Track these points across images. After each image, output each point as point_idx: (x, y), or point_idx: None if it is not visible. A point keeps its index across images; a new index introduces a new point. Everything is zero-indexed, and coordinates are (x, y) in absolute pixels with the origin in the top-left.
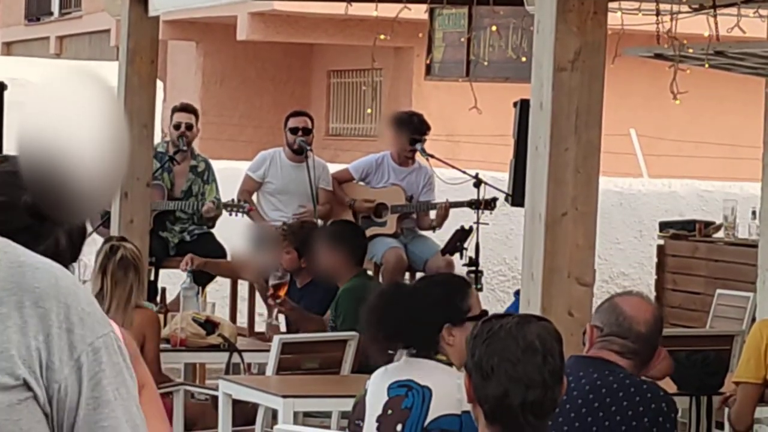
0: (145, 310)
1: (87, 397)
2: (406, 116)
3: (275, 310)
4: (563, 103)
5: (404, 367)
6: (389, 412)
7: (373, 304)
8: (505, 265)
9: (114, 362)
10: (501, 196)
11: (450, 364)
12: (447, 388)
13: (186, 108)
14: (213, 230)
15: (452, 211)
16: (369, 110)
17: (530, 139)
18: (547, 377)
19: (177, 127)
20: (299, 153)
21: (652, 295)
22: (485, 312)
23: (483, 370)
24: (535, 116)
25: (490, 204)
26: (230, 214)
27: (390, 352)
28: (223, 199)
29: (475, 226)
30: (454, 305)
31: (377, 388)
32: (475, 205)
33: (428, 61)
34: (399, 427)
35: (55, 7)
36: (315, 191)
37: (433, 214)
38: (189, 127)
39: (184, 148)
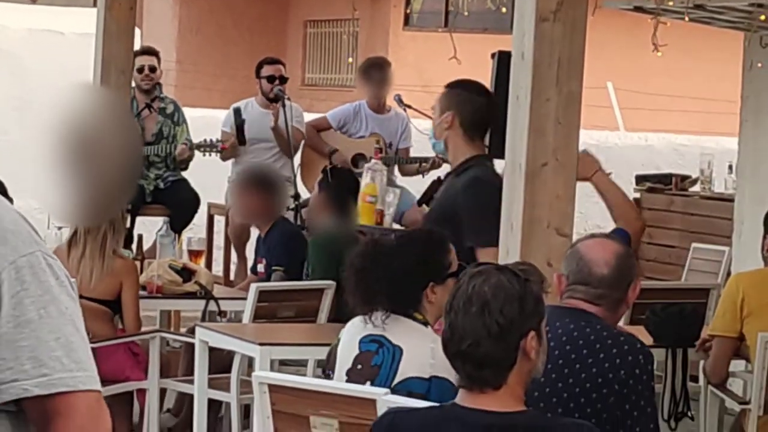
0: (124, 259)
1: (7, 315)
2: (368, 62)
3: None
4: (545, 54)
5: (379, 322)
6: (359, 366)
7: (353, 264)
8: None
9: (40, 281)
10: None
11: (426, 324)
12: (419, 349)
13: (147, 51)
14: (186, 175)
15: None
16: (350, 60)
17: (511, 90)
18: (481, 332)
19: (140, 70)
20: (276, 101)
21: None
22: (462, 267)
23: (445, 310)
24: (516, 67)
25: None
26: (204, 154)
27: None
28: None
29: None
30: (436, 263)
31: (350, 339)
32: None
33: (408, 11)
34: (367, 384)
35: None
36: (290, 130)
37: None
38: (152, 69)
39: (162, 95)
